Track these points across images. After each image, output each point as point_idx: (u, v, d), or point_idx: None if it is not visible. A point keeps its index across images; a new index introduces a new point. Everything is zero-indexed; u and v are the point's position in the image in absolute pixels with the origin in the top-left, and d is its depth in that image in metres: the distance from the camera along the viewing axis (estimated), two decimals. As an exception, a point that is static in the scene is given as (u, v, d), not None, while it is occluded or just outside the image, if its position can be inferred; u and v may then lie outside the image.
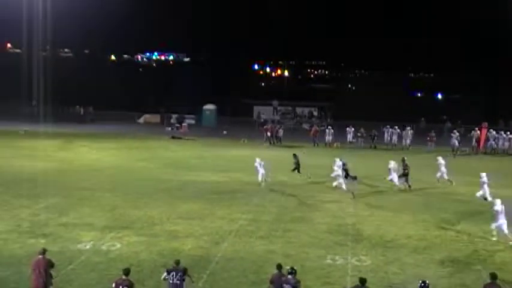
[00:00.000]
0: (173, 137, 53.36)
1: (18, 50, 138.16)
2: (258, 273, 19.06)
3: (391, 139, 51.42)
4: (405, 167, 32.75)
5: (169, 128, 59.74)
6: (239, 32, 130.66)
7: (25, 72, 64.62)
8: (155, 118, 67.24)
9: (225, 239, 22.72)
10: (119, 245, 21.41)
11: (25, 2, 60.51)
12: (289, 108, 73.02)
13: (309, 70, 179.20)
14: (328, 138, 51.12)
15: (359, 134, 51.78)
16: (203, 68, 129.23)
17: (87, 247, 21.01)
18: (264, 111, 70.02)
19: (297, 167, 34.55)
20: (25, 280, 17.61)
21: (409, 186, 32.37)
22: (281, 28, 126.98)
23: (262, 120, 65.82)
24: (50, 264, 15.87)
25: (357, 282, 15.15)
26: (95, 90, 77.56)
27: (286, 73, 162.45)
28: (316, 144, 50.34)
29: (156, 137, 53.48)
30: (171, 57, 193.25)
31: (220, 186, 32.51)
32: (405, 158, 33.34)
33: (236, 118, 65.25)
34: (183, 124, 61.28)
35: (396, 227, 24.83)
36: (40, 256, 15.83)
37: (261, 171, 32.54)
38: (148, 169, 37.00)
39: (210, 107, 66.53)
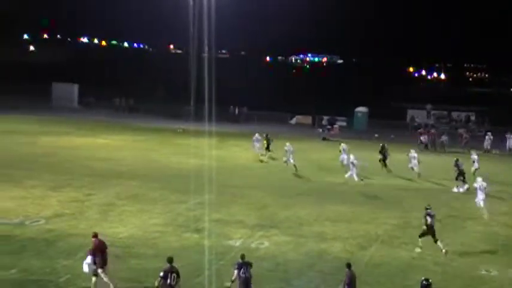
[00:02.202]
0: (324, 139, 53.48)
1: (179, 51, 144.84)
2: (405, 279, 18.73)
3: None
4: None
5: (320, 130, 59.90)
6: (394, 34, 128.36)
7: (185, 72, 67.41)
8: (307, 119, 67.70)
9: (371, 243, 22.50)
10: (267, 244, 21.85)
11: (190, 5, 63.12)
12: (444, 112, 70.75)
13: (467, 73, 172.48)
14: (487, 144, 48.88)
15: (520, 141, 49.11)
16: (356, 70, 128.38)
17: (237, 244, 21.61)
18: (418, 115, 68.35)
19: (267, 147, 40.02)
20: (180, 273, 18.45)
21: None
22: (438, 30, 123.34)
23: (416, 124, 64.29)
24: (105, 246, 17.20)
25: None
26: (249, 90, 79.49)
27: (442, 76, 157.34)
28: (467, 150, 48.00)
29: (307, 138, 53.85)
30: (324, 59, 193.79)
31: (368, 189, 32.19)
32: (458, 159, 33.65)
33: (388, 121, 64.14)
34: (334, 126, 61.21)
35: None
36: (94, 239, 17.12)
37: (289, 156, 36.74)
38: (298, 170, 37.32)
39: (362, 109, 65.94)
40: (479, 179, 28.05)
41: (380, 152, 37.71)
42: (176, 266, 15.53)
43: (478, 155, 36.25)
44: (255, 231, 23.27)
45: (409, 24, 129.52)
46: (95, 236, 17.22)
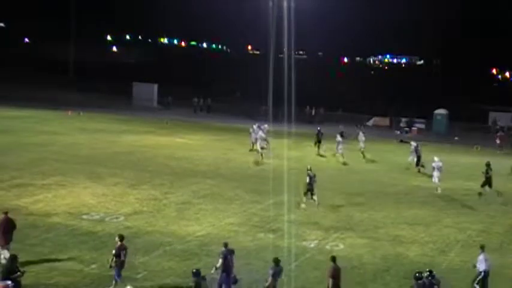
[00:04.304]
0: (401, 141, 52.55)
1: (257, 52, 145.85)
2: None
3: None
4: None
5: (398, 132, 58.93)
6: (476, 35, 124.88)
7: (263, 73, 67.61)
8: (384, 121, 66.70)
9: (451, 248, 21.98)
10: (342, 246, 21.67)
11: (269, 6, 63.32)
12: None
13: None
14: None
15: None
16: (436, 72, 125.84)
17: (312, 245, 21.53)
18: (500, 118, 66.22)
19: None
20: (254, 272, 18.52)
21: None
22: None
23: (498, 126, 62.33)
24: (13, 224, 18.42)
25: None
26: (326, 91, 79.10)
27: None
28: None
29: (384, 140, 53.07)
30: (403, 60, 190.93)
31: (449, 193, 31.39)
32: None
33: (469, 124, 62.46)
34: (413, 128, 60.03)
35: None
36: (3, 215, 18.36)
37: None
38: (374, 172, 36.89)
39: (441, 111, 64.37)
40: (436, 159, 31.76)
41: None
42: (125, 244, 16.71)
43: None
44: (330, 233, 23.11)
45: (493, 24, 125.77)
46: (5, 213, 18.40)
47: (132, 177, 30.74)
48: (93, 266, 18.48)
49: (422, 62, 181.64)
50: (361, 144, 41.37)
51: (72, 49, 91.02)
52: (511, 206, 29.04)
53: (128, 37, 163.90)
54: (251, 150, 40.71)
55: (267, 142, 40.88)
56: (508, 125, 63.71)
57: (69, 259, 18.85)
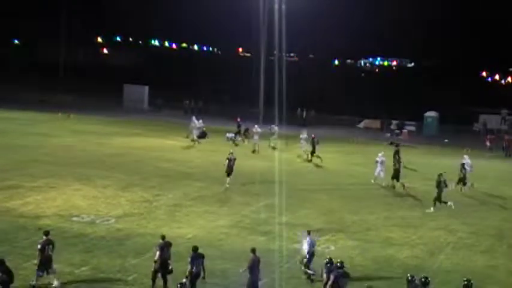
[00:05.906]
0: (391, 143, 52.65)
1: (248, 54, 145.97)
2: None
3: None
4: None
5: (389, 134, 59.06)
6: (466, 37, 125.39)
7: (254, 75, 67.64)
8: (375, 123, 66.86)
9: (442, 250, 22.04)
10: (333, 248, 21.69)
11: (260, 8, 63.34)
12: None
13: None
14: None
15: None
16: (427, 74, 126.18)
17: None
18: (489, 120, 66.53)
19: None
20: (245, 273, 18.49)
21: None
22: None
23: (486, 128, 62.64)
24: None
25: None
26: (317, 94, 79.14)
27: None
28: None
29: (375, 142, 53.16)
30: (394, 63, 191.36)
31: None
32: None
33: (459, 126, 62.70)
34: (403, 130, 60.19)
35: None
36: None
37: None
38: (366, 174, 36.86)
39: (431, 114, 64.65)
40: (380, 154, 33.71)
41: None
42: (52, 239, 17.09)
43: None
44: (321, 235, 23.09)
45: (483, 26, 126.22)
46: None
47: (122, 179, 30.66)
48: (84, 268, 18.41)
49: (412, 64, 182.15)
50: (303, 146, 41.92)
51: (63, 50, 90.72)
52: (500, 208, 29.14)
53: (118, 39, 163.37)
54: (187, 137, 45.81)
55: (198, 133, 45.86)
56: (498, 127, 64.02)
57: (59, 261, 18.73)
